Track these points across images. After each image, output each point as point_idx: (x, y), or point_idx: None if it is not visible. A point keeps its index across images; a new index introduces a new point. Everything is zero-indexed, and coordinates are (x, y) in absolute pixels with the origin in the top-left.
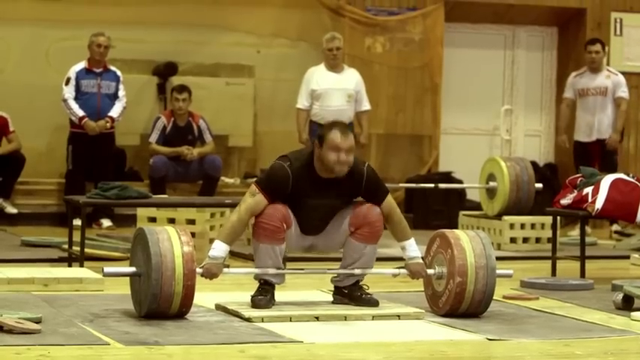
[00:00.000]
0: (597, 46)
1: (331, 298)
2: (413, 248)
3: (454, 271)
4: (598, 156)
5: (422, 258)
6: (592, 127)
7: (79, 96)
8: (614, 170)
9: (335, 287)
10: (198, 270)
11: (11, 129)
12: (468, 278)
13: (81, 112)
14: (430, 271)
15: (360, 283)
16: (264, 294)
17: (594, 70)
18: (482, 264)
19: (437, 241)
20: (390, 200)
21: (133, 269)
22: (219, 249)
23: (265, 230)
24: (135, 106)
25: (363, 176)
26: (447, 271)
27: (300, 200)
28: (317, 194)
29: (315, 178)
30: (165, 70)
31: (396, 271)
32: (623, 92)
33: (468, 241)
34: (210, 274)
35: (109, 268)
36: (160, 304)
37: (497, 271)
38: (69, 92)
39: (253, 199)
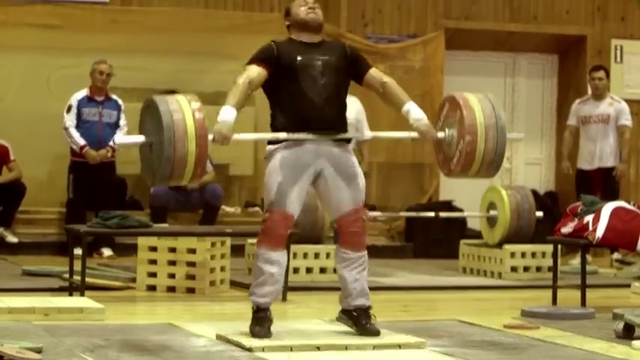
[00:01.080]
0: (601, 73)
1: (332, 327)
2: (416, 110)
3: (464, 131)
4: (600, 184)
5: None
6: (594, 154)
7: (81, 124)
8: (615, 198)
9: (342, 309)
10: (209, 136)
11: (12, 158)
12: (478, 137)
13: (82, 141)
14: (440, 134)
15: (370, 311)
16: (261, 324)
17: (598, 97)
18: (491, 123)
19: (446, 106)
20: (375, 69)
21: (143, 138)
22: (227, 112)
23: (269, 236)
24: (135, 134)
25: (344, 45)
26: (457, 131)
27: (293, 64)
28: (306, 54)
29: (299, 44)
30: None
31: (406, 134)
32: (627, 120)
33: (477, 102)
34: (222, 137)
35: (121, 138)
36: (173, 167)
37: (508, 135)
38: (70, 120)
39: (247, 71)
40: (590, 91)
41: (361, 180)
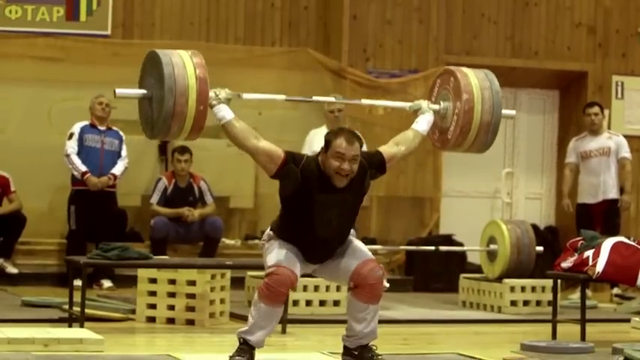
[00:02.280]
0: (596, 109)
1: None
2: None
3: (460, 92)
4: (600, 219)
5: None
6: (598, 188)
7: (82, 150)
8: (616, 233)
9: (344, 347)
10: (210, 93)
11: (12, 189)
12: (474, 97)
13: (83, 168)
14: (434, 107)
15: (370, 344)
16: (242, 354)
17: (594, 132)
18: (486, 85)
19: (438, 82)
20: (384, 149)
21: (143, 91)
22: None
23: (271, 292)
24: (136, 167)
25: (363, 162)
26: (453, 95)
27: (310, 196)
28: (326, 191)
29: (322, 176)
30: None
31: (404, 104)
32: (627, 153)
33: (469, 70)
34: (223, 91)
35: (121, 90)
36: (173, 121)
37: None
38: (72, 147)
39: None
40: (587, 128)
41: (356, 242)
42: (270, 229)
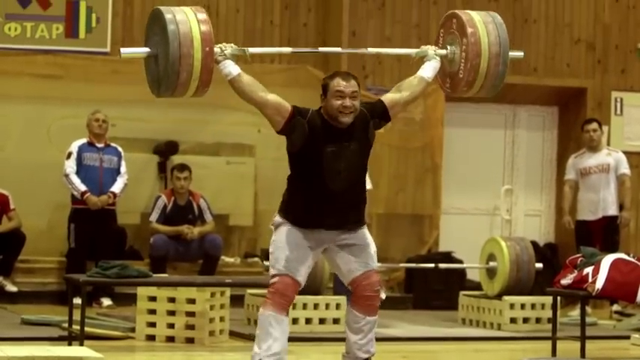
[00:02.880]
0: (594, 125)
1: None
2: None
3: (464, 28)
4: (600, 235)
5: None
6: (597, 204)
7: (81, 169)
8: (615, 250)
9: None
10: (215, 48)
11: (12, 207)
12: (479, 30)
13: (83, 187)
14: (441, 52)
15: (371, 358)
16: None
17: (593, 149)
18: (489, 20)
19: (441, 30)
20: (385, 96)
21: (147, 49)
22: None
23: (275, 301)
24: (135, 184)
25: (362, 110)
26: (458, 35)
27: (318, 148)
28: (333, 141)
29: (327, 126)
30: (166, 149)
31: (411, 50)
32: (626, 169)
33: (470, 11)
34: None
35: (126, 49)
36: (179, 78)
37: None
38: (70, 167)
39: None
40: (585, 144)
41: (372, 248)
42: (279, 211)
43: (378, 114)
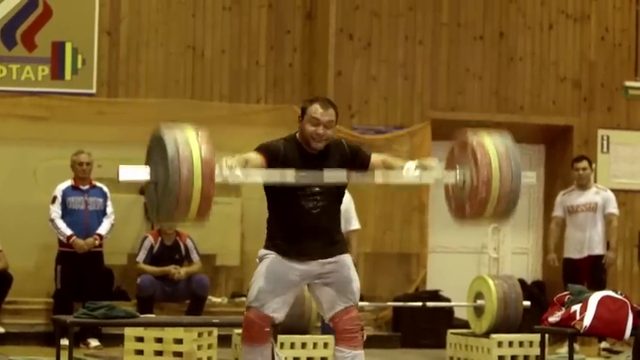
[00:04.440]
0: (584, 163)
1: None
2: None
3: (478, 162)
4: (587, 273)
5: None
6: (583, 243)
7: (66, 213)
8: (602, 288)
9: None
10: (217, 170)
11: None
12: (492, 168)
13: (69, 231)
14: (451, 180)
15: None
16: None
17: (582, 187)
18: (504, 154)
19: (455, 150)
20: (374, 155)
21: (147, 174)
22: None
23: (247, 333)
24: (122, 225)
25: (342, 143)
26: (471, 165)
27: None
28: (306, 167)
29: (303, 152)
30: None
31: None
32: (614, 208)
33: (487, 136)
34: (228, 167)
35: (125, 172)
36: (178, 205)
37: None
38: (55, 212)
39: (251, 153)
40: (575, 182)
41: (355, 284)
42: (264, 245)
43: (359, 160)
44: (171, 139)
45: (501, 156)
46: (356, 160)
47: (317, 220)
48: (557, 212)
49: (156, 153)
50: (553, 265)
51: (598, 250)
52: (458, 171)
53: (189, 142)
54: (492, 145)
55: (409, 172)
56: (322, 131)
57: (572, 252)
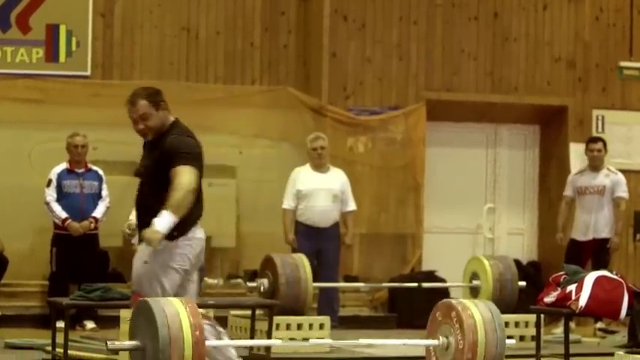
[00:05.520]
0: (599, 145)
1: None
2: (161, 219)
3: (463, 326)
4: (591, 255)
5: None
6: (589, 226)
7: (62, 197)
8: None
9: None
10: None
11: None
12: (478, 334)
13: (64, 214)
14: (434, 342)
15: None
16: None
17: (595, 168)
18: (489, 319)
19: (438, 314)
20: (180, 169)
21: (137, 344)
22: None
23: None
24: (117, 207)
25: (169, 139)
26: (455, 329)
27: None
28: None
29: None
30: None
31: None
32: (623, 192)
33: (470, 302)
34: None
35: (113, 344)
36: None
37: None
38: (50, 195)
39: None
40: (588, 163)
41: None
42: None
43: (167, 163)
44: (160, 311)
45: (487, 321)
46: (165, 161)
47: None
48: (568, 192)
49: (142, 322)
50: (560, 244)
51: (604, 233)
52: (440, 336)
53: (178, 312)
54: (477, 309)
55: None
56: (140, 126)
57: (578, 234)
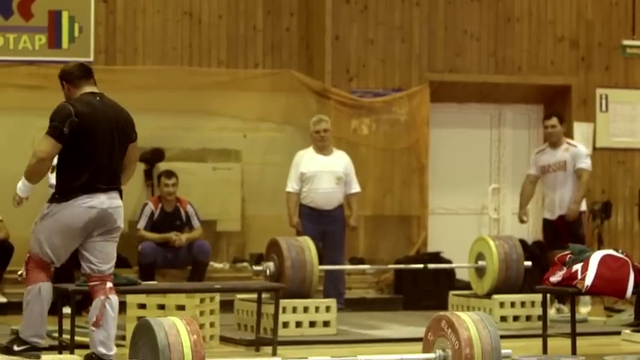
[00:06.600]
0: (553, 120)
1: None
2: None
3: (458, 335)
4: (565, 232)
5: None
6: (554, 204)
7: None
8: (583, 244)
9: None
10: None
11: None
12: (473, 342)
13: None
14: (430, 356)
15: None
16: None
17: (554, 144)
18: (484, 328)
19: (431, 329)
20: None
21: None
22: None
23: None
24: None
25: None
26: (450, 340)
27: None
28: None
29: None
30: (152, 157)
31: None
32: (584, 163)
33: (464, 314)
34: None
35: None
36: None
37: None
38: (54, 179)
39: None
40: (545, 140)
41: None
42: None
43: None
44: (161, 330)
45: (480, 328)
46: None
47: None
48: (531, 170)
49: (143, 340)
50: (520, 222)
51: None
52: (437, 349)
53: (178, 331)
54: (471, 320)
55: None
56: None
57: (547, 213)
